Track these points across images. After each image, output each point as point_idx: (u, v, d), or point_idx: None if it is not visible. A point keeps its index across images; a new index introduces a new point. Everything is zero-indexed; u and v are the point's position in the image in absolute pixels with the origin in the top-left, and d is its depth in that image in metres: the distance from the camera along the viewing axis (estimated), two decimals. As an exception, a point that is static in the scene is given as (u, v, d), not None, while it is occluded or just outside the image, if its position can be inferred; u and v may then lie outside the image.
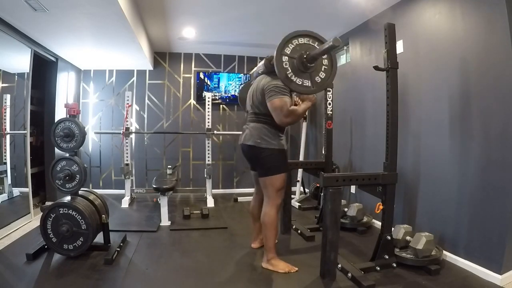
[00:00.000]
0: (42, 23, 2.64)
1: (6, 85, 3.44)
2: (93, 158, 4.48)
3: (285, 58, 1.83)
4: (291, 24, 3.44)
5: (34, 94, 3.50)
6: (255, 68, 2.24)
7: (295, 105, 2.11)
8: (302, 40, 1.90)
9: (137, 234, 2.73)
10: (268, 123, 2.06)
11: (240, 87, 4.48)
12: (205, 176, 3.99)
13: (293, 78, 1.84)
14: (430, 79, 2.45)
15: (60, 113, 3.63)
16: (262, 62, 2.16)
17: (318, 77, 1.91)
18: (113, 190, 4.44)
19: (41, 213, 2.15)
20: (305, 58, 1.82)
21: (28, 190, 3.13)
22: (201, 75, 4.58)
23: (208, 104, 3.99)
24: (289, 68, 1.83)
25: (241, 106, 2.54)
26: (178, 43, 4.17)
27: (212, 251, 2.42)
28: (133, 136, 4.46)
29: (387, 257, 2.09)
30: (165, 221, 3.04)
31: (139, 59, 3.94)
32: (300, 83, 1.86)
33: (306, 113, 4.19)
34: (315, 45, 1.91)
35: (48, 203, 2.76)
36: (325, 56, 1.94)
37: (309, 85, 1.87)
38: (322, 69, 1.93)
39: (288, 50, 1.85)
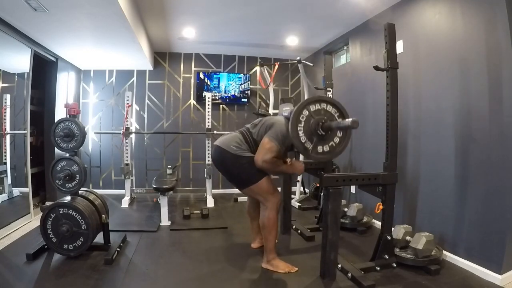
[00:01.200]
0: (42, 23, 2.64)
1: (6, 85, 3.44)
2: (93, 158, 4.49)
3: (305, 112, 1.84)
4: (291, 24, 3.46)
5: (34, 94, 3.50)
6: (287, 110, 2.19)
7: (284, 162, 2.10)
8: (329, 108, 1.91)
9: (137, 234, 2.73)
10: (250, 147, 2.06)
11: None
12: (205, 176, 3.99)
13: (300, 133, 1.84)
14: (430, 79, 2.45)
15: (60, 113, 3.63)
16: (289, 108, 2.14)
17: (321, 147, 1.89)
18: (113, 190, 4.45)
19: (41, 213, 2.15)
20: (322, 124, 1.84)
21: (28, 190, 3.12)
22: (201, 75, 4.58)
23: (208, 104, 3.99)
24: (303, 123, 1.84)
25: None
26: (178, 43, 4.17)
27: (212, 251, 2.42)
28: (133, 136, 4.46)
29: (387, 257, 2.08)
30: (165, 221, 3.04)
31: (139, 59, 3.95)
32: (303, 141, 1.85)
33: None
34: (336, 117, 1.92)
35: (48, 203, 2.76)
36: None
37: (309, 148, 1.86)
38: (329, 144, 1.91)
39: (312, 108, 1.86)
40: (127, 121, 3.82)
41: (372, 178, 2.05)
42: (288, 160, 2.19)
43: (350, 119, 1.69)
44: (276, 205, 2.07)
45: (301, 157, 2.68)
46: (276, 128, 1.99)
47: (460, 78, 2.19)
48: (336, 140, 1.93)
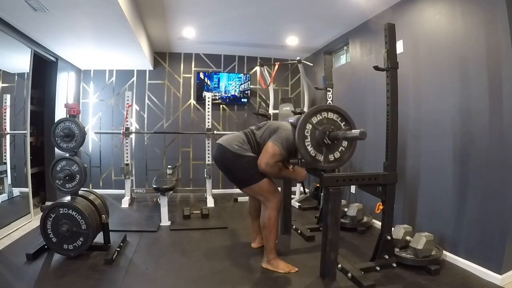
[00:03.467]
0: (42, 23, 2.64)
1: (6, 85, 3.44)
2: (93, 158, 4.48)
3: (309, 126, 1.87)
4: (291, 24, 3.46)
5: (34, 94, 3.50)
6: (292, 119, 2.21)
7: (286, 167, 2.13)
8: (331, 115, 1.94)
9: (137, 234, 2.73)
10: (252, 148, 2.07)
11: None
12: (205, 176, 3.99)
13: (308, 147, 1.87)
14: (430, 79, 2.45)
15: (60, 113, 3.63)
16: (296, 117, 2.16)
17: (332, 155, 1.94)
18: (113, 190, 4.44)
19: (41, 213, 2.15)
20: (328, 134, 1.85)
21: (28, 190, 3.13)
22: (201, 75, 4.58)
23: (208, 104, 3.99)
24: (309, 136, 1.87)
25: None
26: (178, 43, 4.18)
27: (212, 251, 2.42)
28: (133, 136, 4.46)
29: (387, 257, 2.09)
30: (165, 221, 3.04)
31: (139, 59, 3.95)
32: (313, 154, 1.89)
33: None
34: (342, 125, 1.95)
35: (48, 203, 2.76)
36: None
37: (320, 160, 1.91)
38: (339, 150, 1.96)
39: (315, 120, 1.89)
40: (127, 121, 3.82)
41: (372, 178, 2.05)
42: (291, 167, 2.18)
43: (357, 131, 1.66)
44: (277, 205, 2.07)
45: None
46: (281, 133, 1.99)
47: (460, 78, 2.19)
48: (343, 148, 1.98)
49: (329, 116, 1.93)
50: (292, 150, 2.01)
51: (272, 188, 2.07)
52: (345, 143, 1.98)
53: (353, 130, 1.79)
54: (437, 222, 2.34)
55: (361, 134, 1.63)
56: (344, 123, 1.97)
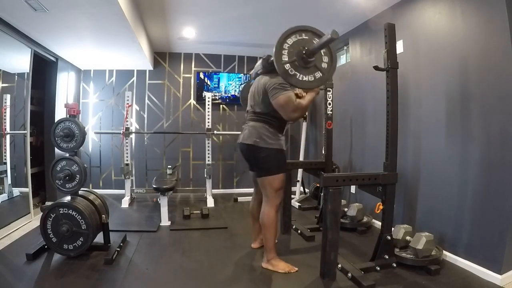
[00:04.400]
0: (42, 23, 2.64)
1: (6, 85, 3.44)
2: (93, 158, 4.48)
3: (285, 58, 1.82)
4: (291, 24, 3.43)
5: (34, 94, 3.50)
6: (253, 70, 2.24)
7: (298, 97, 2.08)
8: (298, 36, 1.88)
9: (137, 234, 2.73)
10: (268, 122, 2.06)
11: (241, 87, 4.51)
12: (205, 176, 3.99)
13: (300, 78, 1.83)
14: (430, 79, 2.45)
15: (60, 113, 3.63)
16: (260, 62, 2.15)
17: (323, 63, 1.90)
18: (113, 190, 4.44)
19: (41, 213, 2.15)
20: (304, 54, 1.81)
21: (28, 190, 3.13)
22: (201, 75, 4.58)
23: (208, 104, 3.99)
24: (291, 67, 1.82)
25: (243, 106, 2.54)
26: (178, 43, 4.17)
27: (212, 251, 2.42)
28: (133, 136, 4.46)
29: (387, 257, 2.08)
30: (165, 221, 3.04)
31: (139, 59, 3.94)
32: (306, 79, 1.84)
33: (306, 113, 4.20)
34: (311, 39, 1.89)
35: (48, 203, 2.76)
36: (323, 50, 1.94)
37: (319, 76, 1.87)
38: (323, 60, 1.92)
39: (285, 52, 1.84)
40: (127, 121, 3.82)
41: (372, 178, 2.05)
42: (299, 92, 2.12)
43: (328, 34, 1.64)
44: (276, 205, 2.08)
45: None
46: (270, 86, 1.96)
47: (460, 78, 2.19)
48: (326, 57, 1.93)
49: (294, 40, 1.87)
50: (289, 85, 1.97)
51: (279, 187, 2.07)
52: (325, 62, 1.94)
53: (323, 37, 1.73)
54: (437, 222, 2.34)
55: (333, 34, 1.61)
56: (310, 34, 1.91)
